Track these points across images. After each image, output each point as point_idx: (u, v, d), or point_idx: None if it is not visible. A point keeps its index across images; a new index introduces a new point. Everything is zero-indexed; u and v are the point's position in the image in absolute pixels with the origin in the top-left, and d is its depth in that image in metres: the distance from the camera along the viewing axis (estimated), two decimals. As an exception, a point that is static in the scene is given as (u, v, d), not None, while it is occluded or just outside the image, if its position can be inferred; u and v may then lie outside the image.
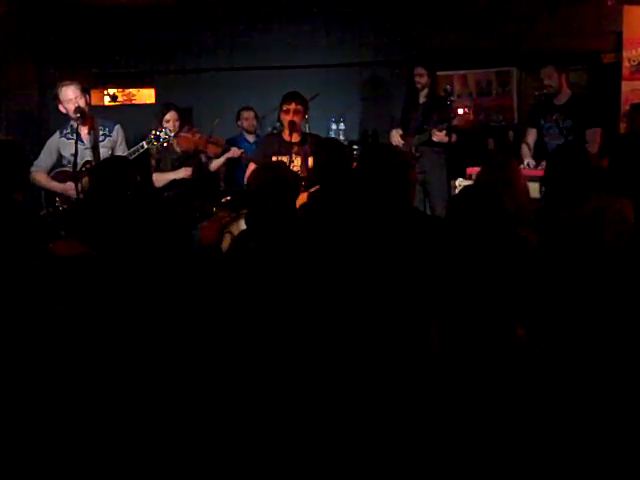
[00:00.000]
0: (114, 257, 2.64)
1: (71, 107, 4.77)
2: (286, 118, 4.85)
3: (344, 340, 1.62)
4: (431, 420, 1.62)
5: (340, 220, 3.06)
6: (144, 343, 2.21)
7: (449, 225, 2.80)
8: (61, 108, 4.88)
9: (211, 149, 5.33)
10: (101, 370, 2.05)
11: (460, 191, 3.14)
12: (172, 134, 5.00)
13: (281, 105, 4.89)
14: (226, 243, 3.82)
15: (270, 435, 1.82)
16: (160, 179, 5.18)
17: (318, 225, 3.16)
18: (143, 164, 5.08)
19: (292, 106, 4.82)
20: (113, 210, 3.50)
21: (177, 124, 5.22)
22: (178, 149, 5.25)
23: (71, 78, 4.97)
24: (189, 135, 5.21)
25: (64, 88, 4.82)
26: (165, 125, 5.15)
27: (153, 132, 4.91)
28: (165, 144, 4.98)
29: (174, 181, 5.19)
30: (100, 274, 2.25)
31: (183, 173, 5.16)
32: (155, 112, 5.46)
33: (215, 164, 5.50)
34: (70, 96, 4.79)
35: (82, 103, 4.82)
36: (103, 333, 2.16)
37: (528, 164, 5.30)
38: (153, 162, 5.20)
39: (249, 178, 3.48)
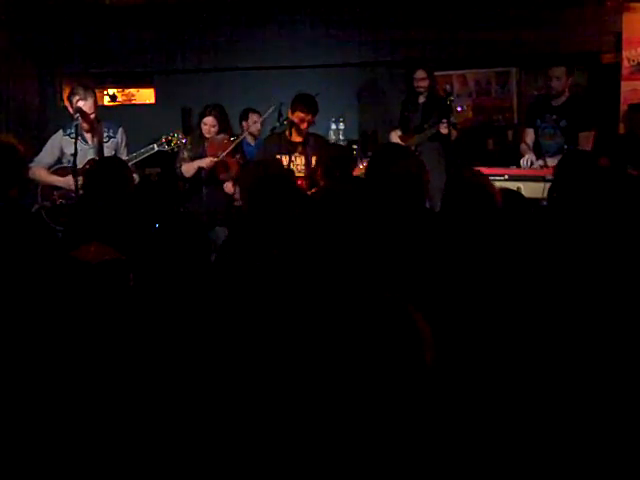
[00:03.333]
0: (139, 260, 2.63)
1: (91, 117, 4.84)
2: (301, 124, 4.89)
3: (347, 341, 1.63)
4: (423, 422, 1.63)
5: (355, 222, 3.05)
6: (160, 345, 2.21)
7: (444, 217, 2.81)
8: (68, 106, 4.90)
9: (221, 172, 5.15)
10: (113, 371, 2.05)
11: (450, 182, 3.14)
12: (184, 140, 5.01)
13: (295, 108, 4.90)
14: None
15: (267, 435, 1.82)
16: (189, 169, 5.15)
17: (333, 228, 3.15)
18: (165, 161, 5.12)
19: (309, 117, 4.88)
20: (111, 210, 3.49)
21: (214, 130, 5.17)
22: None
23: (90, 87, 5.01)
24: (216, 145, 5.15)
25: (90, 99, 4.84)
26: (202, 127, 5.17)
27: (165, 136, 4.95)
28: (175, 149, 5.01)
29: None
30: (128, 279, 2.23)
31: (208, 162, 5.09)
32: (156, 112, 5.45)
33: (186, 169, 5.20)
34: (88, 110, 4.82)
35: (94, 115, 4.88)
36: (123, 336, 2.15)
37: (528, 160, 5.30)
38: (186, 154, 5.19)
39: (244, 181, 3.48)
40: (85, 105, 4.82)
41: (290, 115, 4.95)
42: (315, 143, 4.94)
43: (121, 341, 2.11)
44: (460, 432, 1.68)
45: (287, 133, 4.94)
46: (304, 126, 4.90)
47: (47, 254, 3.10)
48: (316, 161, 4.70)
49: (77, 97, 4.83)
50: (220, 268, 3.05)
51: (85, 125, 4.86)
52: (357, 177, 4.56)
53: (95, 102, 4.94)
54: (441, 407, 1.69)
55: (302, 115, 4.88)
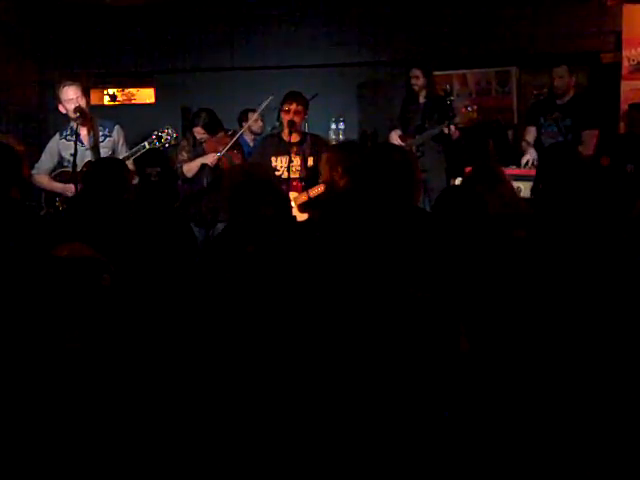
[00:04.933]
0: (118, 259, 2.63)
1: (71, 107, 4.76)
2: (286, 118, 4.84)
3: (345, 336, 1.63)
4: (435, 414, 1.63)
5: (345, 220, 3.06)
6: (145, 344, 2.21)
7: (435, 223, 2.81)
8: (61, 108, 4.87)
9: (227, 166, 5.03)
10: (103, 371, 2.05)
11: (442, 192, 3.13)
12: (175, 135, 5.00)
13: (281, 105, 4.89)
14: None
15: (272, 434, 1.83)
16: (191, 167, 5.12)
17: (322, 225, 3.16)
18: (164, 160, 5.09)
19: (293, 106, 4.80)
20: (108, 211, 3.49)
21: (206, 137, 5.17)
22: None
23: (72, 78, 4.98)
24: (215, 143, 5.14)
25: (65, 88, 4.81)
26: (195, 135, 5.16)
27: (156, 132, 4.92)
28: (167, 145, 4.99)
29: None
30: (102, 278, 2.23)
31: (211, 158, 5.04)
32: (156, 111, 5.45)
33: (188, 168, 5.16)
34: (71, 96, 4.78)
35: (83, 103, 4.81)
36: (105, 336, 2.16)
37: (527, 162, 5.29)
38: (185, 155, 5.18)
39: (226, 181, 3.46)
40: (82, 101, 4.81)
41: (282, 116, 4.90)
42: (312, 143, 4.91)
43: (97, 338, 2.11)
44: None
45: (283, 134, 4.93)
46: (291, 117, 4.78)
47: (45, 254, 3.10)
48: (330, 159, 4.60)
49: (62, 89, 4.81)
50: (203, 267, 3.05)
51: (84, 123, 4.83)
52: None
53: (81, 90, 4.87)
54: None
55: (286, 107, 4.81)
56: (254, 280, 2.63)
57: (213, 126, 5.18)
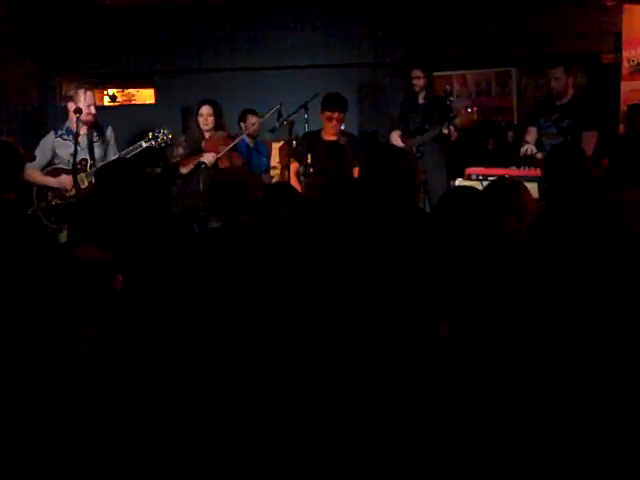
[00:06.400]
0: (130, 260, 2.64)
1: (92, 111, 4.92)
2: (327, 122, 5.13)
3: (346, 336, 1.64)
4: (437, 416, 1.64)
5: (345, 220, 3.06)
6: (151, 343, 2.22)
7: (436, 224, 2.81)
8: (70, 106, 4.91)
9: (225, 165, 5.05)
10: (108, 370, 2.05)
11: (446, 193, 3.12)
12: (170, 135, 5.02)
13: (322, 108, 5.13)
14: None
15: (270, 434, 1.83)
16: (187, 164, 5.14)
17: (323, 225, 3.17)
18: (164, 160, 5.09)
19: (335, 114, 5.11)
20: (123, 211, 3.49)
21: (211, 119, 5.18)
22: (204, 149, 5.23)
23: (82, 81, 5.08)
24: (216, 141, 5.15)
25: (89, 93, 4.96)
26: (199, 119, 5.16)
27: (151, 132, 4.97)
28: (163, 144, 5.01)
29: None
30: (113, 279, 2.23)
31: (210, 157, 5.08)
32: (156, 112, 5.44)
33: (184, 165, 5.16)
34: (90, 102, 4.92)
35: (94, 110, 4.96)
36: (118, 335, 2.16)
37: (527, 150, 5.28)
38: (181, 150, 5.19)
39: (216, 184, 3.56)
40: (93, 107, 4.92)
41: (320, 115, 5.16)
42: (348, 142, 5.03)
43: (108, 339, 2.11)
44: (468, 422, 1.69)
45: (324, 132, 5.15)
46: (333, 124, 5.09)
47: (42, 256, 3.10)
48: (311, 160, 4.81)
49: (71, 97, 4.93)
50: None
51: (88, 124, 4.90)
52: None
53: (92, 98, 4.99)
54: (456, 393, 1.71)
55: (329, 114, 5.11)
56: (262, 275, 2.65)
57: (219, 113, 5.23)
